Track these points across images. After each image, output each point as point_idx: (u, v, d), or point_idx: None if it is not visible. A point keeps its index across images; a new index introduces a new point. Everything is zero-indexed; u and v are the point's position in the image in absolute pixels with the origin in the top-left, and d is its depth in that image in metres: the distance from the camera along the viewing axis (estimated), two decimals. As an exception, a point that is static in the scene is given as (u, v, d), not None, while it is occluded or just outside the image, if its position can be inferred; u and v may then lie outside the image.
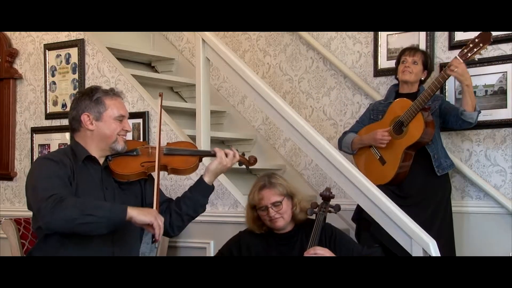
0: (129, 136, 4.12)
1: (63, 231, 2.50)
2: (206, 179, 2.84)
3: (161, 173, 2.75)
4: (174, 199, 2.88)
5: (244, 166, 2.99)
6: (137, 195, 2.80)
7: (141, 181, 2.81)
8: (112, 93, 2.76)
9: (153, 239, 2.52)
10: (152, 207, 2.60)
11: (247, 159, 2.99)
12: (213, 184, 2.87)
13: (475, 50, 3.44)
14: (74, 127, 2.74)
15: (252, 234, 3.07)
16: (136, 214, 2.48)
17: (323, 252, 2.85)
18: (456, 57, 3.49)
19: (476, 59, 3.52)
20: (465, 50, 3.48)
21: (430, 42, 3.97)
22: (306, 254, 2.86)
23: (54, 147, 4.58)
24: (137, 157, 2.77)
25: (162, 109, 4.09)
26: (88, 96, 2.72)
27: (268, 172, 3.22)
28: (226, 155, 2.85)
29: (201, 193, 2.84)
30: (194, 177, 3.19)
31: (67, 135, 4.54)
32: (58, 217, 2.42)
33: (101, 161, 2.74)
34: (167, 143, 2.95)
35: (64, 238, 2.57)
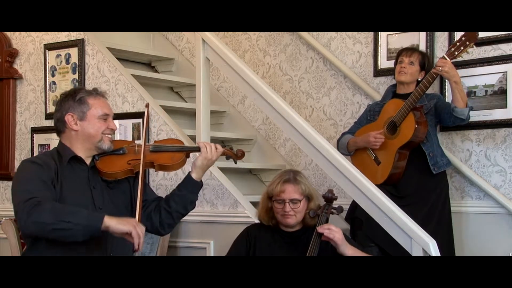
0: (129, 136, 4.15)
1: (37, 236, 2.46)
2: (194, 175, 2.83)
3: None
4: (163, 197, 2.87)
5: (232, 161, 2.98)
6: (125, 192, 2.80)
7: (129, 180, 2.81)
8: (96, 92, 2.75)
9: (133, 249, 2.45)
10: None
11: (235, 152, 2.97)
12: (201, 180, 2.86)
13: (462, 48, 3.46)
14: (59, 129, 2.73)
15: (260, 227, 3.09)
16: (114, 223, 2.42)
17: (337, 230, 2.88)
18: (443, 56, 3.50)
19: (462, 57, 3.53)
20: (452, 49, 3.49)
21: (430, 42, 3.97)
22: (320, 229, 2.89)
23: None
24: (124, 156, 2.76)
25: (162, 109, 4.13)
26: (71, 97, 2.71)
27: (293, 169, 3.22)
28: (206, 147, 2.83)
29: (189, 189, 2.83)
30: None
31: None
32: (32, 221, 2.38)
33: (88, 161, 2.72)
34: (154, 141, 2.93)
35: (50, 243, 2.51)
